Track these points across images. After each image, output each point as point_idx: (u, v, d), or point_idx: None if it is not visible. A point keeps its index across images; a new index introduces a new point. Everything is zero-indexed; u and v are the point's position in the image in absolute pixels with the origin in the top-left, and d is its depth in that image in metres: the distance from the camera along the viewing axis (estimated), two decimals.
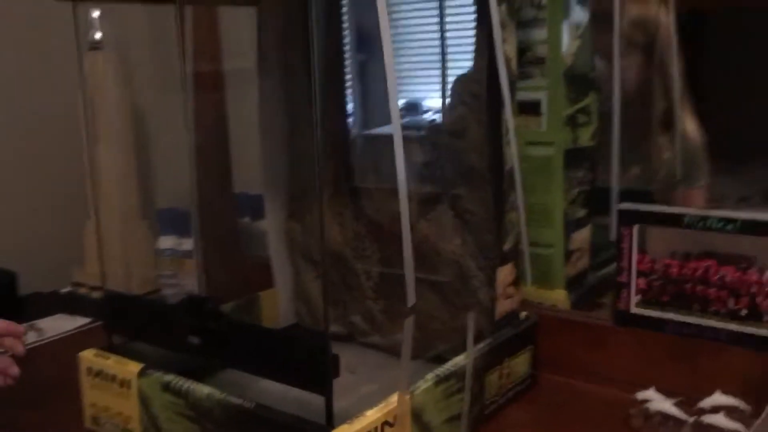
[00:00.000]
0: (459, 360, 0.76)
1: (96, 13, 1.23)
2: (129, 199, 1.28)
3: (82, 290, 1.31)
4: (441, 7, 0.90)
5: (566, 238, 0.96)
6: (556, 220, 0.95)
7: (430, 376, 0.72)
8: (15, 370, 0.78)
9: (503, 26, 0.78)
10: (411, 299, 0.65)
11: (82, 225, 1.32)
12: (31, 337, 1.10)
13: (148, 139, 1.38)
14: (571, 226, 0.96)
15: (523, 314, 0.88)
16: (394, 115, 0.61)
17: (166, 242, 1.22)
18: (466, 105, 0.81)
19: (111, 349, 0.80)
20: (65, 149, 1.37)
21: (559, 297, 0.96)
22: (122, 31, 1.29)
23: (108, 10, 1.24)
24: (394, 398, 0.67)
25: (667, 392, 0.78)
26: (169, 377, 0.73)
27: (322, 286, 0.62)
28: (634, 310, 0.84)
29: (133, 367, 0.76)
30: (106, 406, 0.79)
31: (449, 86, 0.87)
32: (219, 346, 0.70)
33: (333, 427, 0.62)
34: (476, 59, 0.79)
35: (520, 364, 0.85)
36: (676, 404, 0.76)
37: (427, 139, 0.89)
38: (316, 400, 0.62)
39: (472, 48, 0.80)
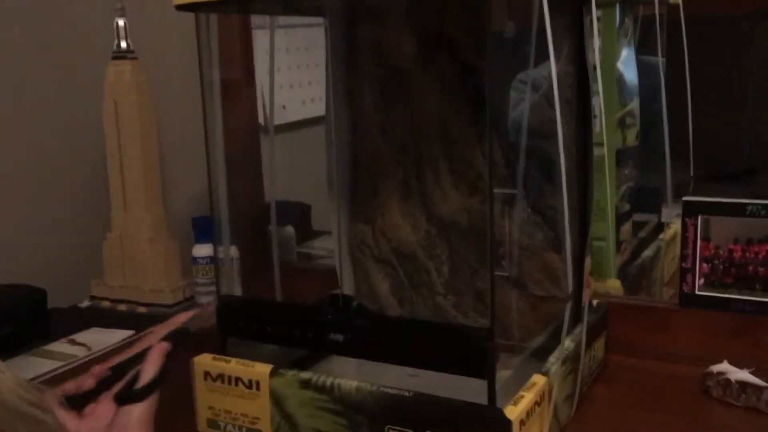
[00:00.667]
0: (567, 344, 0.82)
1: (122, 22, 1.21)
2: (155, 209, 1.27)
3: (104, 303, 1.29)
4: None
5: (617, 231, 1.04)
6: (608, 214, 1.03)
7: (553, 359, 0.78)
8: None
9: (589, 35, 0.85)
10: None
11: (95, 238, 1.30)
12: (81, 352, 1.07)
13: (173, 148, 1.37)
14: (620, 219, 1.05)
15: (595, 302, 0.95)
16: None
17: (201, 250, 1.21)
18: (553, 108, 0.87)
19: (224, 352, 0.81)
20: (87, 160, 1.33)
21: (613, 285, 1.04)
22: (150, 39, 1.28)
23: (133, 18, 1.23)
24: (536, 380, 0.72)
25: (737, 366, 0.87)
26: (307, 375, 0.75)
27: (490, 279, 0.66)
28: (698, 292, 0.93)
29: (262, 368, 0.77)
30: (227, 409, 0.79)
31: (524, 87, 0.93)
32: (365, 341, 0.72)
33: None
34: (566, 66, 0.86)
35: (600, 347, 0.92)
36: (752, 373, 0.85)
37: (508, 140, 0.95)
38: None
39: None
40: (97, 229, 1.31)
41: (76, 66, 1.31)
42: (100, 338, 1.13)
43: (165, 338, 0.70)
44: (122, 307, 1.27)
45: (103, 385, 0.65)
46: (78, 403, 0.64)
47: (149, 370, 0.65)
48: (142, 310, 1.24)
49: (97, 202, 1.34)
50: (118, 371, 0.67)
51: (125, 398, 0.64)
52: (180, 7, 0.78)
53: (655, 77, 1.14)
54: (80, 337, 1.14)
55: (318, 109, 1.81)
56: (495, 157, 0.93)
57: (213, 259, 1.21)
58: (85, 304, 1.30)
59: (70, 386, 0.65)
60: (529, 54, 0.91)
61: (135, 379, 0.65)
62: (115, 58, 1.23)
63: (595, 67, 0.95)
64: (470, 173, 0.95)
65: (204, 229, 1.21)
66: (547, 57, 0.86)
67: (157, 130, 1.26)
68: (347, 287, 1.03)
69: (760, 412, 0.82)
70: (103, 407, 0.64)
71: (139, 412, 0.63)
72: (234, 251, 1.20)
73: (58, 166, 1.31)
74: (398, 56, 0.98)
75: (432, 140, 0.97)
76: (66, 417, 0.63)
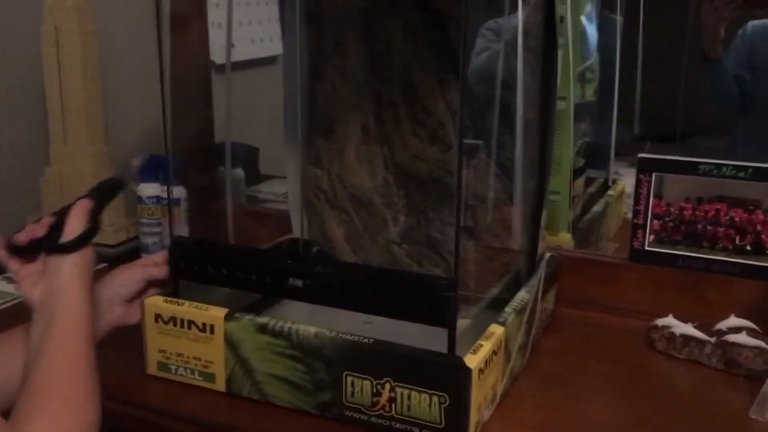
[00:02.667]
0: (522, 296, 0.82)
1: None
2: (98, 145, 1.21)
3: None
4: None
5: (571, 185, 1.05)
6: (564, 169, 1.04)
7: (510, 310, 0.78)
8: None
9: None
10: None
11: (33, 172, 1.23)
12: (18, 290, 1.03)
13: (116, 81, 1.31)
14: (574, 174, 1.05)
15: (548, 255, 0.96)
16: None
17: (147, 190, 1.17)
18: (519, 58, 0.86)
19: (177, 295, 0.79)
20: (23, 89, 1.26)
21: (564, 239, 1.05)
22: None
23: None
24: (493, 330, 0.73)
25: (681, 320, 0.90)
26: (263, 319, 0.74)
27: (455, 230, 0.65)
28: (648, 248, 0.95)
29: (217, 312, 0.75)
30: (178, 352, 0.78)
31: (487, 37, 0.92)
32: (326, 287, 0.71)
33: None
34: (533, 16, 0.85)
35: (550, 300, 0.94)
36: (696, 327, 0.88)
37: (470, 89, 0.94)
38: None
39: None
40: (34, 163, 1.25)
41: None
42: None
43: (90, 194, 0.73)
44: None
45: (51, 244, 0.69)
46: (25, 251, 0.69)
47: (73, 225, 0.69)
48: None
49: (35, 134, 1.27)
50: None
51: (52, 249, 0.68)
52: None
53: (613, 35, 1.14)
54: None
55: (268, 48, 1.76)
56: (456, 106, 0.92)
57: (159, 199, 1.17)
58: None
59: (21, 236, 0.70)
60: (498, 1, 0.90)
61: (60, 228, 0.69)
62: None
63: (562, 19, 0.95)
64: (431, 121, 0.94)
65: (150, 168, 1.17)
66: (516, 7, 0.85)
67: (100, 61, 1.20)
68: (300, 233, 1.02)
69: (702, 365, 0.85)
70: (45, 258, 0.69)
71: (70, 263, 0.68)
72: (182, 192, 1.16)
73: None
74: None
75: (393, 85, 0.95)
76: (10, 262, 0.70)
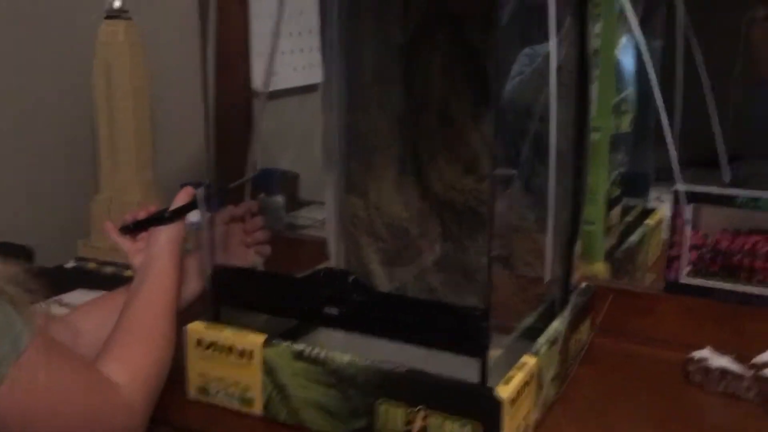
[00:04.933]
0: (556, 326, 0.83)
1: None
2: (145, 173, 1.26)
3: (91, 265, 1.28)
4: None
5: (606, 215, 1.05)
6: (599, 198, 1.04)
7: (543, 340, 0.79)
8: (268, 249, 0.97)
9: (592, 20, 0.85)
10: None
11: (84, 199, 1.28)
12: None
13: (164, 111, 1.35)
14: (610, 204, 1.06)
15: (583, 284, 0.96)
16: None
17: (191, 216, 1.20)
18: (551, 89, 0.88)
19: (217, 320, 0.82)
20: (78, 121, 1.32)
21: (600, 269, 1.05)
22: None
23: None
24: (526, 360, 0.74)
25: (718, 353, 0.89)
26: (300, 346, 0.76)
27: (488, 259, 0.67)
28: (683, 279, 0.94)
29: (256, 338, 0.78)
30: (219, 377, 0.80)
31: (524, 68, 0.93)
32: (361, 315, 0.73)
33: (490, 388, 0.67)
34: (567, 49, 0.86)
35: (585, 330, 0.94)
36: (733, 360, 0.87)
37: (505, 120, 0.95)
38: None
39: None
40: (85, 190, 1.30)
41: (69, 25, 1.28)
42: (87, 300, 1.13)
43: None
44: (109, 269, 1.26)
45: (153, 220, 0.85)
46: (132, 231, 0.88)
47: (176, 203, 0.85)
48: (128, 273, 1.23)
49: (88, 163, 1.32)
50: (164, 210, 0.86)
51: (155, 221, 0.84)
52: None
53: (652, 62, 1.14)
54: (67, 297, 1.14)
55: (309, 76, 1.80)
56: (491, 137, 0.94)
57: (200, 226, 1.20)
58: (71, 264, 1.29)
59: (128, 217, 0.89)
60: (531, 37, 0.92)
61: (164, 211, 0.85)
62: (108, 17, 1.20)
63: (595, 53, 0.96)
64: (466, 152, 0.96)
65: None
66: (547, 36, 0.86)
67: (150, 92, 1.25)
68: (337, 260, 1.04)
69: (739, 399, 0.84)
70: (148, 234, 0.85)
71: (166, 232, 0.84)
72: None
73: (49, 126, 1.29)
74: (400, 29, 0.98)
75: (430, 117, 0.98)
76: (122, 241, 0.88)
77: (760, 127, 1.27)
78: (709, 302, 0.94)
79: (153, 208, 0.88)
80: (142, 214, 0.87)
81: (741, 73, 1.19)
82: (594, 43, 1.01)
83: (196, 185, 1.20)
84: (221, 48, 1.25)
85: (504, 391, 0.67)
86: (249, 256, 0.97)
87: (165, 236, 0.83)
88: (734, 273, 0.92)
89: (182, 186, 0.89)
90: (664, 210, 1.24)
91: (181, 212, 0.85)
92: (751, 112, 1.28)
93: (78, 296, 1.14)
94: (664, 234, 1.21)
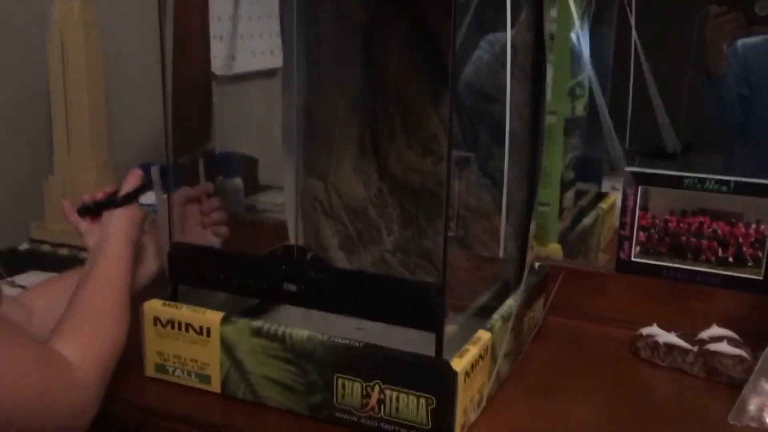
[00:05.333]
0: (510, 303, 0.85)
1: None
2: (100, 154, 1.24)
3: (45, 247, 1.26)
4: None
5: (560, 197, 1.08)
6: (553, 181, 1.07)
7: (497, 317, 0.81)
8: (226, 229, 0.99)
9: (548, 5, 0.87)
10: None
11: (36, 180, 1.26)
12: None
13: (122, 92, 1.34)
14: (564, 186, 1.08)
15: (537, 264, 0.99)
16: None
17: (147, 198, 1.19)
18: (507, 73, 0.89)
19: (175, 299, 0.82)
20: (30, 101, 1.29)
21: (553, 249, 1.08)
22: None
23: None
24: (481, 335, 0.75)
25: (665, 329, 0.92)
26: (258, 323, 0.76)
27: (444, 236, 0.68)
28: (634, 259, 0.97)
29: (214, 315, 0.78)
30: (176, 355, 0.80)
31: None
32: (319, 292, 0.74)
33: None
34: (523, 33, 0.88)
35: (538, 308, 0.96)
36: (679, 336, 0.90)
37: (462, 102, 0.96)
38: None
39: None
40: (38, 171, 1.28)
41: (23, 2, 1.26)
42: (39, 281, 1.11)
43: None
44: (63, 251, 1.24)
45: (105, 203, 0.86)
46: (88, 213, 0.87)
47: (125, 187, 0.86)
48: (84, 255, 1.22)
49: (39, 143, 1.30)
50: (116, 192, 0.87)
51: (108, 205, 0.85)
52: None
53: (605, 50, 1.17)
54: (20, 279, 1.12)
55: (268, 61, 1.80)
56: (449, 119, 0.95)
57: (155, 208, 1.19)
58: (24, 246, 1.27)
59: (87, 198, 0.88)
60: (488, 20, 0.93)
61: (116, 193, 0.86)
62: None
63: (552, 36, 0.98)
64: (424, 134, 0.97)
65: (150, 176, 1.19)
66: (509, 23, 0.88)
67: (105, 71, 1.23)
68: (296, 241, 1.04)
69: (684, 372, 0.88)
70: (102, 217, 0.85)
71: (117, 216, 0.84)
72: None
73: (1, 106, 1.26)
74: (359, 11, 0.98)
75: (388, 99, 0.98)
76: (78, 221, 0.88)
77: (710, 119, 1.31)
78: (657, 281, 0.97)
79: (111, 189, 0.88)
80: (99, 196, 0.87)
81: (693, 67, 1.22)
82: (550, 27, 1.03)
83: (148, 166, 1.20)
84: (179, 30, 1.24)
85: (458, 364, 0.69)
86: (206, 237, 0.97)
87: (117, 218, 0.84)
88: (682, 252, 0.95)
89: (136, 168, 0.90)
90: (616, 196, 1.28)
91: (132, 196, 0.86)
92: (701, 104, 1.31)
93: (31, 278, 1.13)
94: (616, 218, 1.25)
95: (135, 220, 0.85)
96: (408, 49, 0.96)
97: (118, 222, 0.83)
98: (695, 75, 1.28)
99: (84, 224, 0.88)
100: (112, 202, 0.85)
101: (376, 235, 1.02)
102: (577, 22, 1.03)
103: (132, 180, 0.87)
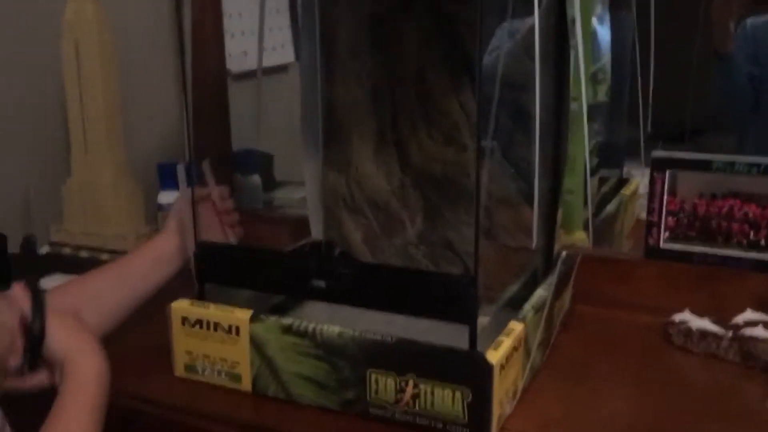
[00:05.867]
0: (540, 293, 0.84)
1: None
2: (117, 154, 1.24)
3: (66, 250, 1.26)
4: None
5: (586, 184, 1.06)
6: (577, 168, 1.05)
7: (529, 307, 0.80)
8: (241, 230, 0.94)
9: None
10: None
11: (55, 182, 1.26)
12: None
13: (136, 92, 1.33)
14: (588, 173, 1.07)
15: (564, 253, 0.97)
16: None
17: (168, 197, 1.19)
18: (533, 60, 0.88)
19: (203, 298, 0.81)
20: (45, 102, 1.29)
21: (579, 237, 1.06)
22: None
23: None
24: (514, 326, 0.74)
25: (698, 315, 0.91)
26: (288, 320, 0.75)
27: (475, 227, 0.67)
28: (663, 245, 0.96)
29: (243, 314, 0.77)
30: (206, 354, 0.79)
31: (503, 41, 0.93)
32: (348, 288, 0.73)
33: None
34: (544, 17, 0.86)
35: (567, 297, 0.95)
36: (712, 322, 0.89)
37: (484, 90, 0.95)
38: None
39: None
40: (57, 173, 1.28)
41: (36, 3, 1.25)
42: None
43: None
44: (84, 254, 1.24)
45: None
46: (33, 362, 0.68)
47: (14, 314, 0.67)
48: (104, 257, 1.22)
49: (57, 145, 1.30)
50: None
51: (33, 345, 0.67)
52: None
53: (626, 33, 1.15)
54: (43, 284, 1.12)
55: (281, 56, 1.79)
56: (470, 108, 0.94)
57: None
58: (45, 250, 1.27)
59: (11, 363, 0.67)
60: (508, 5, 0.92)
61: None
62: None
63: (573, 21, 0.96)
64: (446, 123, 0.95)
65: (171, 175, 1.19)
66: (527, 9, 0.86)
67: (119, 71, 1.22)
68: (319, 236, 1.03)
69: (719, 358, 0.86)
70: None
71: (53, 338, 0.67)
72: None
73: (15, 109, 1.26)
74: (377, 2, 0.97)
75: (408, 89, 0.97)
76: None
77: (720, 101, 1.29)
78: (687, 266, 0.95)
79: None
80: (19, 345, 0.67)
81: (702, 47, 1.20)
82: (573, 11, 1.01)
83: (171, 165, 1.19)
84: (194, 28, 1.24)
85: (493, 356, 0.68)
86: (222, 236, 0.96)
87: (56, 341, 0.67)
88: (712, 237, 0.94)
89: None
90: (638, 181, 1.26)
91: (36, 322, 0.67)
92: (711, 85, 1.29)
93: (54, 282, 1.12)
94: (638, 206, 1.23)
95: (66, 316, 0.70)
96: (427, 36, 0.94)
97: (59, 341, 0.67)
98: (705, 56, 1.26)
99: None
100: (35, 339, 0.67)
101: (400, 228, 1.01)
102: (598, 7, 1.01)
103: (22, 301, 0.68)
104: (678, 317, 0.91)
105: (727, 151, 1.00)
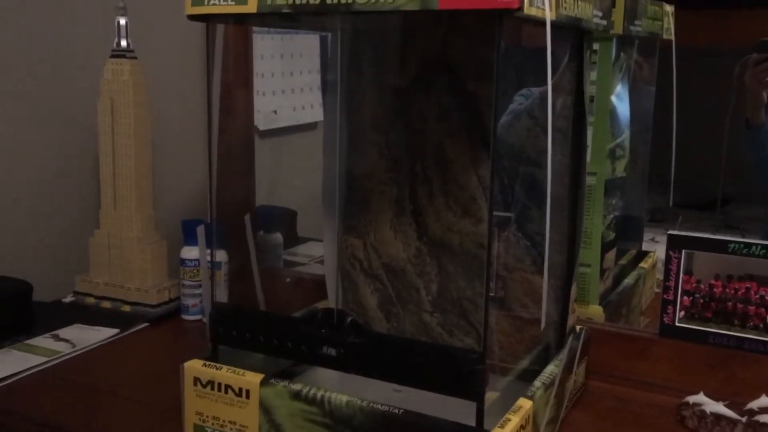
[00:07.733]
0: (551, 369, 0.84)
1: (123, 21, 1.22)
2: (145, 209, 1.27)
3: (89, 300, 1.28)
4: None
5: (601, 258, 1.06)
6: (594, 242, 1.06)
7: (539, 383, 0.80)
8: None
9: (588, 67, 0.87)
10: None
11: (83, 235, 1.29)
12: (65, 348, 1.07)
13: (165, 149, 1.37)
14: (605, 247, 1.07)
15: (578, 328, 0.97)
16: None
17: (190, 253, 1.22)
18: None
19: (215, 359, 0.82)
20: (79, 157, 1.33)
21: (595, 312, 1.06)
22: (149, 40, 1.28)
23: (135, 19, 1.23)
24: (522, 403, 0.74)
25: (712, 398, 0.90)
26: (297, 386, 0.76)
27: (485, 300, 0.68)
28: (678, 324, 0.95)
29: (253, 377, 0.78)
30: (214, 416, 0.80)
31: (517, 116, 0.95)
32: (358, 357, 0.74)
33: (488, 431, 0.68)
34: (563, 95, 0.88)
35: (580, 373, 0.94)
36: (727, 406, 0.88)
37: (502, 164, 0.97)
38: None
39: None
40: (85, 225, 1.31)
41: (73, 62, 1.31)
42: (84, 335, 1.13)
43: None
44: (106, 305, 1.26)
45: None
46: None
47: None
48: (126, 308, 1.24)
49: (87, 198, 1.34)
50: None
51: None
52: (192, 17, 0.79)
53: (645, 108, 1.17)
54: (64, 333, 1.14)
55: (308, 115, 1.84)
56: (488, 182, 0.95)
57: (201, 263, 1.21)
58: (69, 299, 1.29)
59: None
60: (527, 82, 0.94)
61: None
62: (114, 56, 1.23)
63: (592, 99, 0.98)
64: (463, 195, 0.97)
65: (194, 232, 1.21)
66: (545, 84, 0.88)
67: (152, 130, 1.27)
68: (335, 298, 1.05)
69: None
70: None
71: None
72: (223, 255, 1.21)
73: (49, 161, 1.30)
74: (399, 75, 1.00)
75: (427, 160, 0.99)
76: None
77: (751, 171, 1.29)
78: (702, 347, 0.95)
79: None
80: None
81: (732, 118, 1.21)
82: (590, 90, 1.03)
83: (193, 223, 1.22)
84: (224, 87, 1.28)
85: None
86: None
87: None
88: (728, 318, 0.93)
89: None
90: (658, 253, 1.26)
91: None
92: (742, 156, 1.30)
93: (76, 331, 1.15)
94: (658, 276, 1.23)
95: None
96: (447, 111, 0.97)
97: None
98: (736, 127, 1.27)
99: None
100: None
101: (415, 295, 1.02)
102: (618, 85, 1.03)
103: None
104: (692, 399, 0.90)
105: (756, 221, 1.00)
